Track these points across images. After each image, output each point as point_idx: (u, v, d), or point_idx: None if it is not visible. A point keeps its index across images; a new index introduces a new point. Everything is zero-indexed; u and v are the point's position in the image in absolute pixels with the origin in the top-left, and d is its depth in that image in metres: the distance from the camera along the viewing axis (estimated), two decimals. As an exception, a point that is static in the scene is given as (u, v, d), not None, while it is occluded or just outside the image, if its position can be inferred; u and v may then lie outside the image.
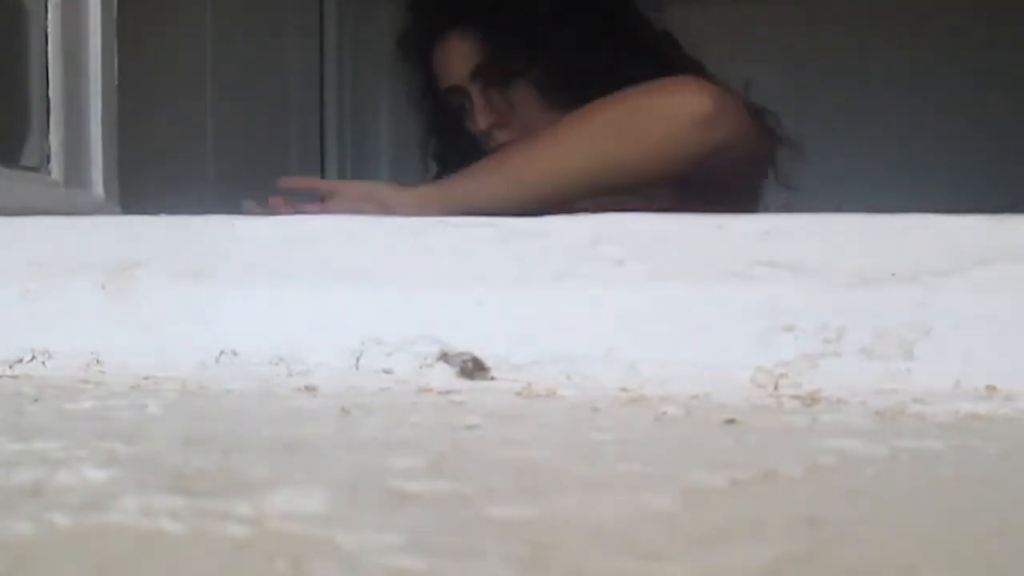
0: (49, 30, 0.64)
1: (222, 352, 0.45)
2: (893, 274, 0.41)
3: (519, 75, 0.95)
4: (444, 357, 0.43)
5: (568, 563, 0.20)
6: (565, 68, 0.93)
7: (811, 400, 0.39)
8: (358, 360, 0.44)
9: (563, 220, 0.45)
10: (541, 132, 0.83)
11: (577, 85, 0.89)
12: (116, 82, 0.70)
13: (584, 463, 0.29)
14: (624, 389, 0.41)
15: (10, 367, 0.46)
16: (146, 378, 0.44)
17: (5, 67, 0.63)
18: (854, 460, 0.29)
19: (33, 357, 0.46)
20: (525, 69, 0.94)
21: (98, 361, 0.46)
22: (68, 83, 0.65)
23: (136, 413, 0.37)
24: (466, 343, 0.43)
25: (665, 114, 0.80)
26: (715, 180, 0.85)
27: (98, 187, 0.68)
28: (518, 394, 0.41)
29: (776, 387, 0.40)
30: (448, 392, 0.41)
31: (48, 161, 0.64)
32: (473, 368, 0.42)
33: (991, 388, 0.39)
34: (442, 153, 1.09)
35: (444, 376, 0.42)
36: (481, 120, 0.96)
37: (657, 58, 0.95)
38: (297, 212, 0.78)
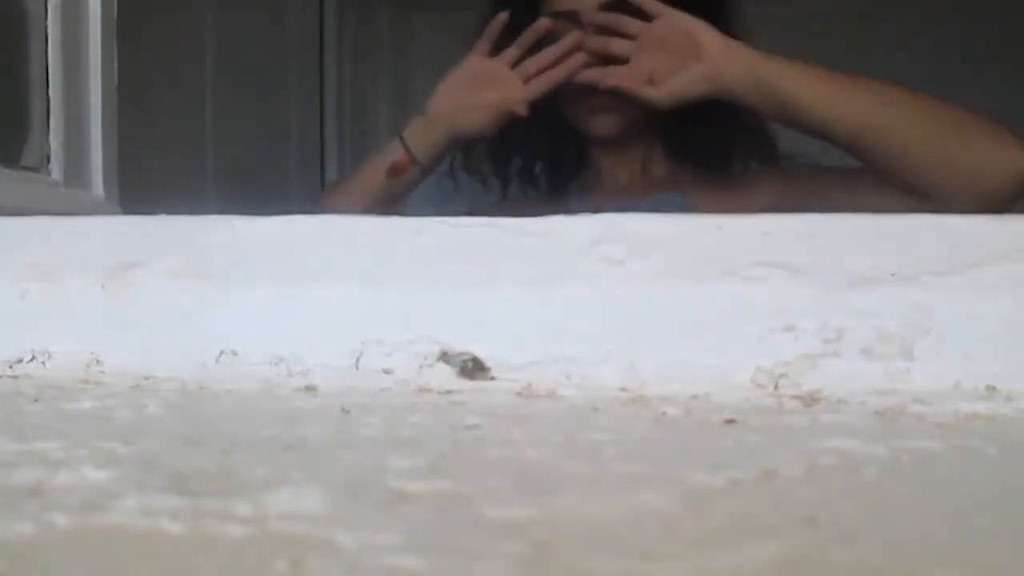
0: (49, 30, 0.64)
1: (222, 352, 0.45)
2: (893, 274, 0.41)
3: None
4: (444, 357, 0.43)
5: (568, 563, 0.20)
6: None
7: (811, 400, 0.39)
8: (358, 360, 0.44)
9: (563, 220, 0.45)
10: (872, 79, 0.84)
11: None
12: (116, 82, 0.70)
13: (584, 463, 0.29)
14: (624, 389, 0.41)
15: (10, 367, 0.46)
16: (146, 378, 0.44)
17: (5, 67, 0.63)
18: (854, 460, 0.29)
19: (33, 357, 0.46)
20: None
21: (98, 361, 0.46)
22: (68, 83, 0.65)
23: (136, 413, 0.37)
24: (466, 343, 0.43)
25: (996, 152, 0.80)
26: None
27: (98, 187, 0.68)
28: (518, 394, 0.41)
29: (776, 387, 0.40)
30: (448, 392, 0.41)
31: (48, 161, 0.64)
32: (473, 368, 0.42)
33: (991, 388, 0.39)
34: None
35: (444, 376, 0.42)
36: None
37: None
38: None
